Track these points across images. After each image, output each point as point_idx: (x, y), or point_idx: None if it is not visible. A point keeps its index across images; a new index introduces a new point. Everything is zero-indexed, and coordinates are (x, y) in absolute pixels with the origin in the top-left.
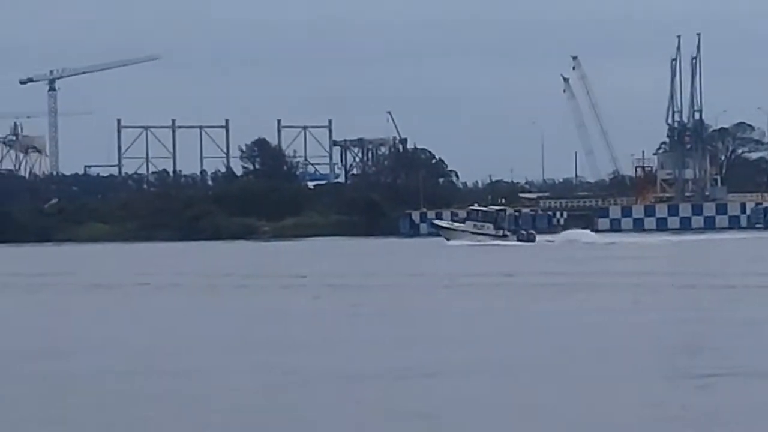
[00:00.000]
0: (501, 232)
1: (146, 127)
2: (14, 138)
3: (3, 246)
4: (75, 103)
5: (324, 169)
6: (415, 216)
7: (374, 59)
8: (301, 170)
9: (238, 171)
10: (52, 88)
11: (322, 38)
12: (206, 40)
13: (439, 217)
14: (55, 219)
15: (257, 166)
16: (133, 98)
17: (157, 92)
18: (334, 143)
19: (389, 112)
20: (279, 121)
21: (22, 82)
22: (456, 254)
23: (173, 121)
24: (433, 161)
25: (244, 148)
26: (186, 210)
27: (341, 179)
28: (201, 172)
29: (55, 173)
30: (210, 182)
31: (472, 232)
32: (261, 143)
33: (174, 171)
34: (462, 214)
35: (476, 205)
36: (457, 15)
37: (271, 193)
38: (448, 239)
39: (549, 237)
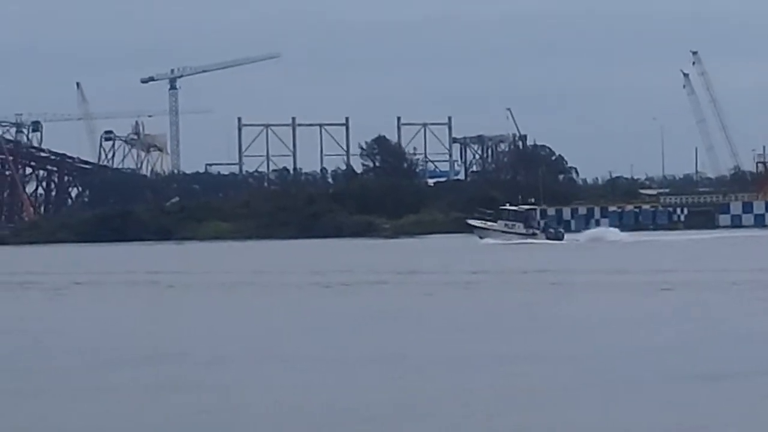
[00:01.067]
0: (531, 231)
1: (267, 125)
2: (136, 137)
3: (124, 244)
4: (196, 101)
5: (444, 166)
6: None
7: (494, 56)
8: (421, 167)
9: (358, 168)
10: (173, 87)
11: (441, 36)
12: (326, 37)
13: (559, 214)
14: (176, 217)
15: (377, 164)
16: (254, 96)
17: (277, 90)
18: (454, 140)
19: (509, 109)
20: (399, 119)
21: (144, 81)
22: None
23: (293, 119)
24: (553, 158)
25: (364, 146)
26: (306, 208)
27: (461, 176)
28: (321, 170)
29: (176, 172)
30: (330, 180)
31: (503, 231)
32: (381, 140)
33: (294, 169)
34: (582, 210)
35: (508, 205)
36: (575, 10)
37: (391, 190)
38: (481, 237)
39: (576, 236)
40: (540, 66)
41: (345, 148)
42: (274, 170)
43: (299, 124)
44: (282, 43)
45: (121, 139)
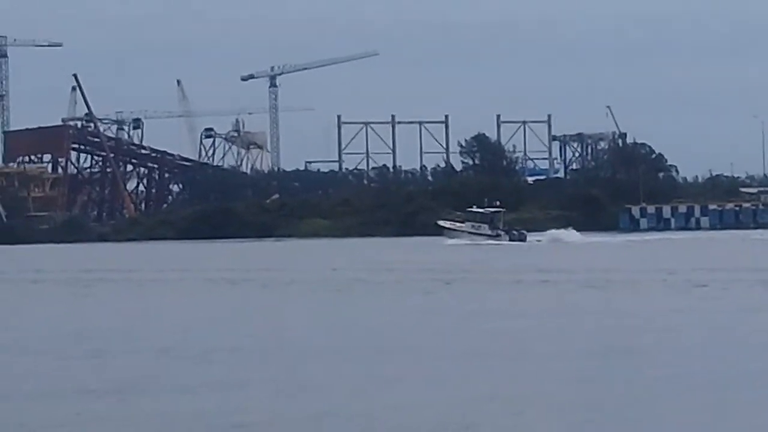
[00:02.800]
0: (495, 232)
1: (366, 123)
2: (236, 134)
3: (225, 241)
4: (296, 99)
5: (543, 164)
6: (635, 211)
7: (593, 54)
8: (520, 165)
9: (458, 166)
10: (273, 85)
11: (541, 34)
12: (425, 35)
13: (659, 212)
14: (276, 214)
15: (476, 161)
16: (353, 94)
17: (376, 88)
18: (554, 138)
19: (608, 107)
20: (498, 116)
21: (244, 79)
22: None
23: (393, 116)
24: (653, 156)
25: (463, 143)
26: (405, 205)
27: (560, 174)
28: (420, 168)
29: (276, 169)
30: (429, 177)
31: (470, 232)
32: (480, 138)
33: (393, 166)
34: (682, 208)
35: (474, 207)
36: (673, 9)
37: (490, 188)
38: (450, 238)
39: (537, 237)
40: (639, 64)
41: (444, 145)
42: (373, 168)
43: (399, 122)
44: (381, 41)
45: (222, 137)
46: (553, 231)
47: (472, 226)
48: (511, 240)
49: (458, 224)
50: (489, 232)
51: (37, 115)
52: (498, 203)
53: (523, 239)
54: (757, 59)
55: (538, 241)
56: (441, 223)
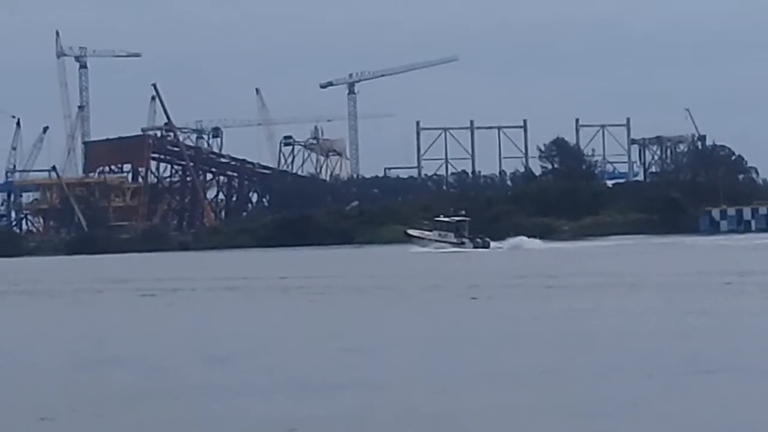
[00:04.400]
0: (460, 240)
1: (445, 129)
2: (315, 141)
3: (306, 248)
4: (374, 105)
5: (622, 168)
6: (715, 213)
7: (671, 57)
8: (599, 169)
9: (537, 171)
10: (351, 92)
11: (620, 35)
12: (504, 40)
13: (739, 213)
14: (356, 221)
15: (556, 166)
16: (432, 100)
17: (455, 93)
18: (633, 141)
19: (687, 110)
20: (577, 120)
21: (323, 86)
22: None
23: (472, 122)
24: (733, 158)
25: (542, 148)
26: (485, 210)
27: (640, 177)
28: (499, 173)
29: (355, 176)
30: (509, 182)
31: (437, 240)
32: (559, 142)
33: (473, 172)
34: (762, 210)
35: (441, 216)
36: (751, 8)
37: (569, 192)
38: (420, 246)
39: (498, 244)
40: (718, 66)
41: (523, 150)
42: (452, 173)
43: (477, 127)
44: (460, 46)
45: (301, 144)
46: (514, 239)
47: (439, 235)
48: (475, 247)
49: (426, 233)
50: (454, 240)
51: (117, 125)
52: (464, 212)
53: (486, 246)
54: None
55: (499, 248)
56: (410, 231)
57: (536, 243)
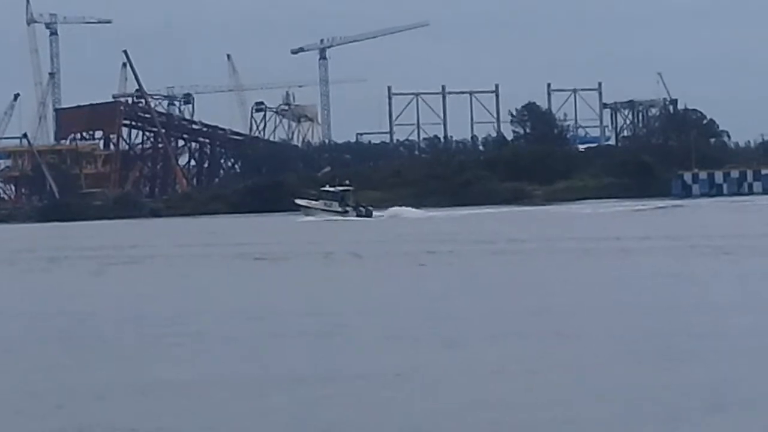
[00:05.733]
0: (344, 209)
1: (417, 94)
2: (287, 107)
3: (277, 215)
4: (346, 71)
5: (594, 132)
6: (687, 177)
7: (643, 21)
8: (571, 133)
9: (509, 135)
10: (323, 57)
11: (591, 1)
12: (475, 4)
13: (711, 177)
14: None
15: (528, 131)
16: (404, 65)
17: (426, 58)
18: (605, 105)
19: (659, 74)
20: (549, 85)
21: (294, 52)
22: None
23: (443, 87)
24: (704, 122)
25: (514, 113)
26: (457, 176)
27: (612, 142)
28: (472, 138)
29: (327, 142)
30: (481, 147)
31: (322, 209)
32: (531, 107)
33: (445, 137)
34: (734, 173)
35: (327, 186)
36: None
37: (542, 157)
38: (306, 215)
39: (378, 213)
40: (689, 30)
41: (495, 115)
42: (424, 139)
43: (449, 92)
44: (431, 11)
45: (272, 110)
46: (394, 208)
47: (324, 204)
48: (358, 216)
49: (313, 202)
50: (339, 209)
51: (89, 92)
52: (348, 182)
53: (369, 215)
54: None
55: (380, 216)
56: (297, 201)
57: (414, 212)
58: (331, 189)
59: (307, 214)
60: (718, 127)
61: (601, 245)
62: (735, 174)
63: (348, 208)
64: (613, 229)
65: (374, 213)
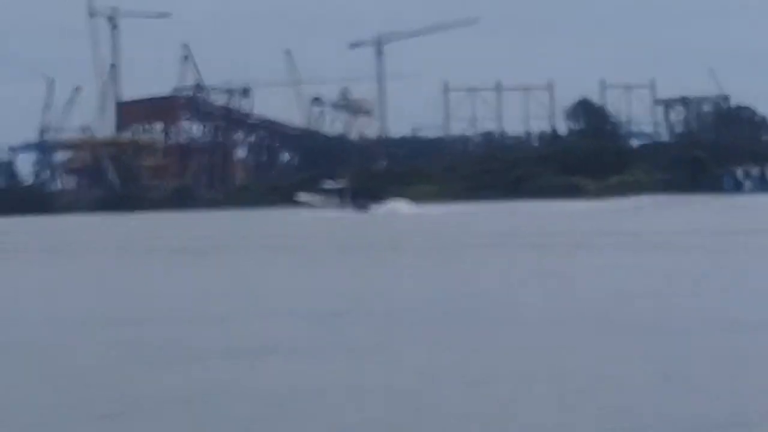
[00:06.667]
0: (343, 204)
1: (472, 89)
2: (344, 102)
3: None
4: (402, 66)
5: (647, 128)
6: (739, 173)
7: (697, 16)
8: (624, 129)
9: (563, 131)
10: (380, 52)
11: None
12: (530, 1)
13: (762, 173)
14: (383, 181)
15: (581, 126)
16: (459, 60)
17: (482, 54)
18: (657, 102)
19: (712, 70)
20: (602, 81)
21: (351, 47)
22: None
23: (498, 82)
24: (756, 118)
25: (568, 109)
26: (511, 170)
27: (664, 138)
28: (526, 133)
29: (383, 136)
30: (535, 143)
31: (323, 204)
32: (585, 103)
33: (499, 132)
34: None
35: (328, 182)
36: None
37: (595, 152)
38: (306, 210)
39: (375, 207)
40: (744, 26)
41: (549, 110)
42: (479, 134)
43: (504, 88)
44: (485, 7)
45: (330, 105)
46: (390, 204)
47: (324, 199)
48: (356, 209)
49: (313, 197)
50: (338, 204)
51: (149, 85)
52: (347, 179)
53: (366, 210)
54: None
55: (377, 211)
56: (299, 196)
57: (409, 207)
58: (332, 186)
59: (307, 209)
60: None
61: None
62: None
63: (346, 203)
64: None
65: (371, 207)
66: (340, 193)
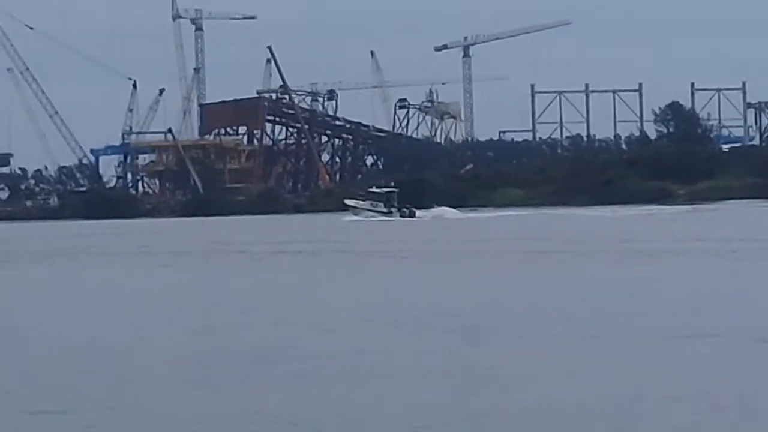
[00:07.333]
0: (389, 209)
1: (560, 92)
2: (430, 104)
3: (418, 211)
4: (489, 68)
5: (738, 132)
6: None
7: None
8: (715, 133)
9: (652, 134)
10: (466, 55)
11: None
12: (619, 3)
13: None
14: (470, 184)
15: (671, 130)
16: (547, 63)
17: (570, 57)
18: (749, 105)
19: None
20: (692, 84)
21: (437, 49)
22: None
23: (586, 85)
24: None
25: (657, 112)
26: (600, 174)
27: (755, 142)
28: (614, 136)
29: (470, 139)
30: (624, 146)
31: (369, 210)
32: (675, 106)
33: (587, 135)
34: None
35: (374, 187)
36: None
37: (685, 156)
38: (354, 215)
39: (420, 213)
40: None
41: (638, 114)
42: (567, 137)
43: (592, 91)
44: (574, 10)
45: (415, 107)
46: (436, 209)
47: (371, 204)
48: (401, 216)
49: (360, 203)
50: (383, 210)
51: (233, 87)
52: (393, 184)
53: (413, 216)
54: None
55: (423, 217)
56: (347, 201)
57: (454, 213)
58: (378, 190)
59: (354, 214)
60: None
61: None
62: None
63: (392, 209)
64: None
65: (417, 213)
66: (387, 198)
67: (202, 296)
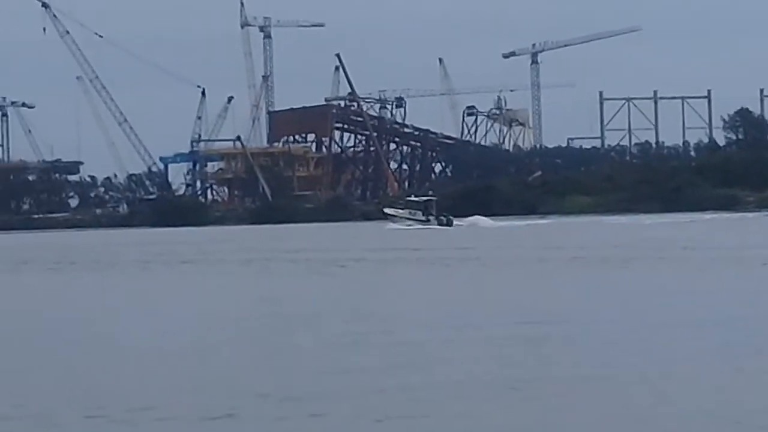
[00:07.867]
0: (427, 218)
1: (628, 99)
2: (498, 112)
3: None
4: (557, 75)
5: None
6: None
7: None
8: None
9: (721, 141)
10: (534, 62)
11: None
12: (687, 9)
13: None
14: (539, 191)
15: (740, 137)
16: (615, 70)
17: (638, 64)
18: None
19: None
20: (761, 91)
21: (506, 56)
22: None
23: (655, 92)
24: None
25: (726, 119)
26: (668, 181)
27: None
28: (683, 143)
29: (538, 146)
30: (692, 153)
31: (407, 218)
32: (744, 113)
33: (656, 142)
34: None
35: (413, 196)
36: None
37: (755, 163)
38: (393, 223)
39: (458, 222)
40: None
41: (707, 120)
42: (635, 144)
43: (661, 98)
44: (643, 16)
45: (484, 114)
46: (471, 218)
47: (409, 213)
48: (439, 225)
49: (399, 211)
50: (422, 218)
51: (301, 95)
52: (431, 193)
53: (450, 224)
54: None
55: (460, 225)
56: (386, 210)
57: (487, 221)
58: (416, 199)
59: (393, 222)
60: None
61: None
62: None
63: (430, 217)
64: None
65: (454, 222)
66: (425, 206)
67: (289, 304)
